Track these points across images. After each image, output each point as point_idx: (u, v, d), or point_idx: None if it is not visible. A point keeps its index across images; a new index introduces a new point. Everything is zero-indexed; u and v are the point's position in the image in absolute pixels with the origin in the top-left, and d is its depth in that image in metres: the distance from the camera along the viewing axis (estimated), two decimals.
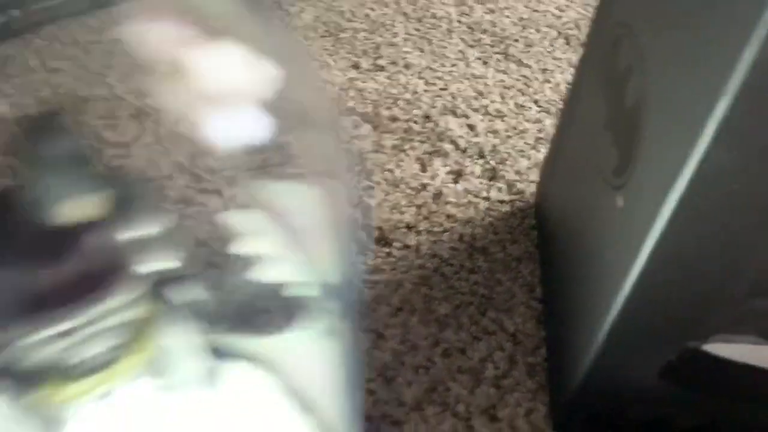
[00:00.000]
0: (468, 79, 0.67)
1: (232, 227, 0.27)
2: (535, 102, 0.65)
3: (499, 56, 0.71)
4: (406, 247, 0.50)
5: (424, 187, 0.55)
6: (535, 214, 0.54)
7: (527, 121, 0.63)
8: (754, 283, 0.31)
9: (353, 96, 0.63)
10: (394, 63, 0.68)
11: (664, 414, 0.38)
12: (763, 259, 0.30)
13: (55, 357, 0.24)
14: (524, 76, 0.68)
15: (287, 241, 0.30)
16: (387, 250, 0.50)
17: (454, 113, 0.63)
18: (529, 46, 0.73)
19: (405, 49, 0.70)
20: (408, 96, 0.64)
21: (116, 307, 0.24)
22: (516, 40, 0.73)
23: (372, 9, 0.75)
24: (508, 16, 0.77)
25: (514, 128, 0.62)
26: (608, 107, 0.39)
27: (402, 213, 0.53)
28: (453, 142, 0.60)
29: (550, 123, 0.62)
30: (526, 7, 0.79)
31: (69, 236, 0.21)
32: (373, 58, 0.68)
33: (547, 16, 0.78)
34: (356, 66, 0.67)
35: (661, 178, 0.30)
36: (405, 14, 0.75)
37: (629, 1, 0.39)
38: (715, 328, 0.33)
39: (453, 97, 0.65)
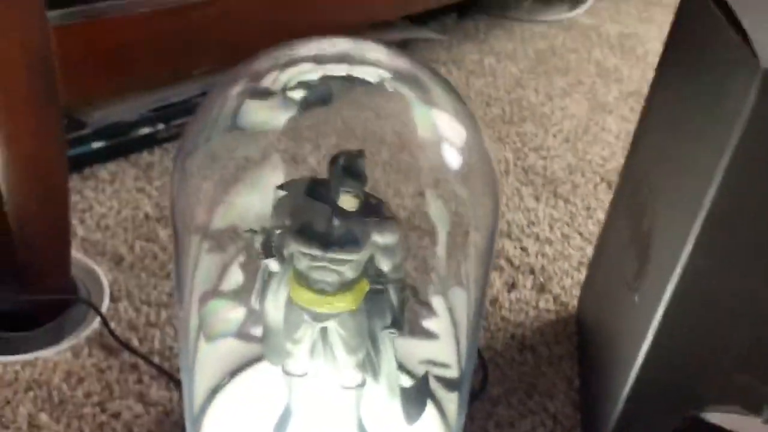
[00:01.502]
0: (522, 211, 0.80)
1: None
2: (580, 234, 0.77)
3: (548, 194, 0.84)
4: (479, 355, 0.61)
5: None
6: (576, 321, 0.64)
7: (572, 248, 0.75)
8: (735, 361, 0.41)
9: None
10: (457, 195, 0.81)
11: None
12: (741, 342, 0.40)
13: (310, 270, 0.37)
14: (570, 212, 0.81)
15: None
16: None
17: (509, 237, 0.75)
18: (576, 187, 0.86)
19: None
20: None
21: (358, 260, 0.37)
22: (564, 183, 0.86)
23: None
24: (557, 163, 0.91)
25: (561, 253, 0.74)
26: (631, 231, 0.50)
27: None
28: (508, 260, 0.72)
29: (590, 251, 0.74)
30: (573, 156, 0.93)
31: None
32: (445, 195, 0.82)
33: (592, 164, 0.91)
34: (421, 194, 0.81)
35: (661, 280, 0.41)
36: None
37: (647, 154, 0.52)
38: (709, 399, 0.42)
39: (508, 224, 0.77)
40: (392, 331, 0.41)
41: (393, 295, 0.40)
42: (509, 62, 1.21)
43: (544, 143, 0.95)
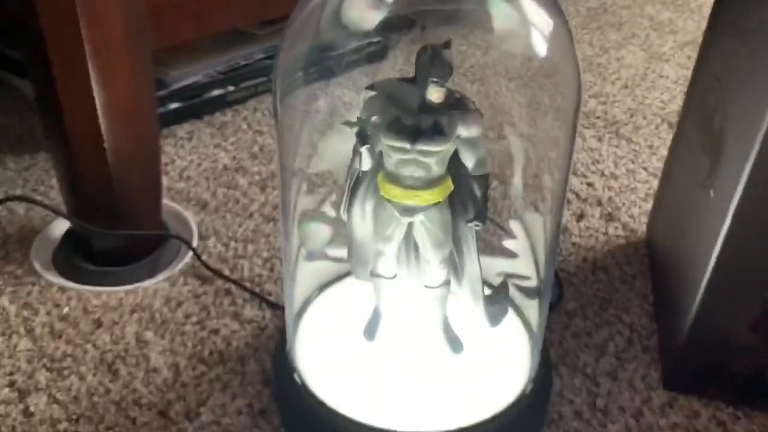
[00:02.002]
0: (585, 151, 0.81)
1: None
2: (644, 169, 0.78)
3: (611, 135, 0.85)
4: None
5: None
6: (646, 245, 0.65)
7: (637, 182, 0.76)
8: None
9: None
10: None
11: (762, 368, 0.47)
12: None
13: (398, 164, 0.40)
14: (634, 150, 0.82)
15: None
16: None
17: (575, 173, 0.76)
18: (638, 128, 0.86)
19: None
20: None
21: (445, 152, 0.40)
22: (626, 124, 0.87)
23: (496, 100, 0.92)
24: (617, 107, 0.91)
25: (627, 186, 0.75)
26: (702, 135, 0.52)
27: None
28: (575, 193, 0.73)
29: (656, 184, 0.74)
30: (633, 101, 0.93)
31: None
32: (498, 133, 0.83)
33: (652, 107, 0.91)
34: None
35: (736, 169, 0.42)
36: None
37: (718, 60, 0.53)
38: None
39: (573, 163, 0.78)
40: (476, 223, 0.43)
41: (477, 190, 0.43)
42: None
43: (602, 90, 0.96)
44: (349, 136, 0.41)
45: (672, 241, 0.57)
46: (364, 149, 0.40)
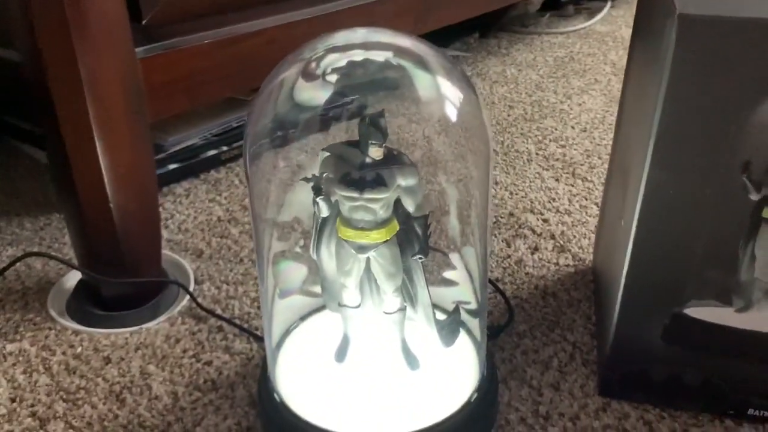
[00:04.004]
0: (543, 190, 0.90)
1: None
2: (596, 204, 0.86)
3: (568, 175, 0.93)
4: (495, 291, 0.70)
5: (509, 256, 0.76)
6: (592, 271, 0.73)
7: (589, 216, 0.84)
8: (704, 259, 0.49)
9: None
10: None
11: (675, 373, 0.54)
12: (706, 241, 0.49)
13: (350, 210, 0.48)
14: (587, 188, 0.90)
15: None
16: None
17: (532, 212, 0.85)
18: (592, 167, 0.95)
19: (494, 172, 0.94)
20: (497, 201, 0.87)
21: (386, 198, 0.48)
22: (582, 165, 0.96)
23: None
24: (576, 149, 1.00)
25: (579, 220, 0.83)
26: (620, 173, 0.60)
27: (492, 272, 0.74)
28: (531, 229, 0.81)
29: None
30: (590, 143, 1.02)
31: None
32: None
33: (608, 147, 1.00)
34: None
35: (634, 197, 0.50)
36: (495, 150, 1.00)
37: (627, 107, 0.61)
38: (688, 295, 0.51)
39: (531, 202, 0.87)
40: (420, 256, 0.51)
41: (418, 229, 0.51)
42: (530, 70, 1.32)
43: (563, 134, 1.05)
44: (309, 190, 0.50)
45: (605, 267, 0.65)
46: (319, 200, 0.49)
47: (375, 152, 0.48)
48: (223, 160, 0.97)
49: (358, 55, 0.48)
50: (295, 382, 0.56)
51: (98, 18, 0.60)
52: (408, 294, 0.56)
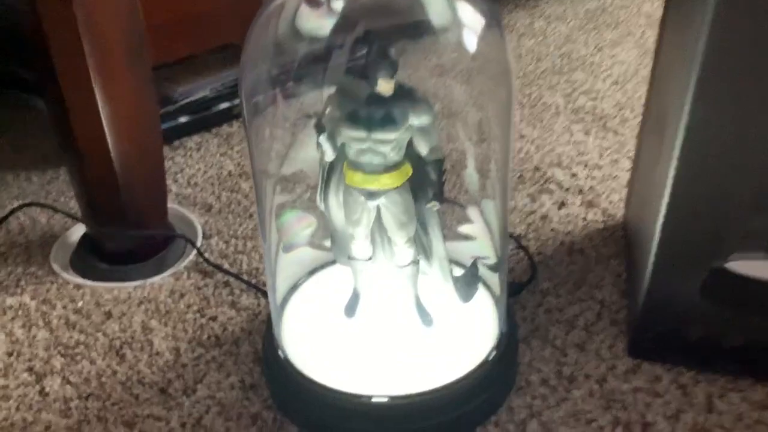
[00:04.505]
0: (572, 144, 0.84)
1: None
2: (628, 158, 0.81)
3: (598, 129, 0.88)
4: (519, 248, 0.66)
5: (533, 212, 0.72)
6: (624, 227, 0.68)
7: (619, 170, 0.79)
8: (751, 204, 0.44)
9: None
10: None
11: (713, 333, 0.50)
12: (753, 185, 0.44)
13: (357, 153, 0.44)
14: (619, 141, 0.85)
15: None
16: None
17: (559, 166, 0.80)
18: (625, 120, 0.89)
19: (520, 126, 0.89)
20: (522, 155, 0.82)
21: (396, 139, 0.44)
22: (614, 118, 0.90)
23: None
24: (607, 102, 0.95)
25: (609, 175, 0.78)
26: (657, 120, 0.55)
27: (514, 228, 0.69)
28: (558, 184, 0.76)
29: None
30: (623, 95, 0.96)
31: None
32: None
33: (641, 100, 0.94)
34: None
35: (672, 140, 0.45)
36: (521, 103, 0.95)
37: (666, 52, 0.56)
38: (730, 247, 0.46)
39: (559, 156, 0.82)
40: (434, 203, 0.47)
41: (433, 174, 0.47)
42: (559, 23, 1.25)
43: (593, 87, 0.99)
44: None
45: (638, 221, 0.60)
46: (321, 139, 0.44)
47: (384, 87, 0.43)
48: (236, 114, 0.93)
49: None
50: (302, 338, 0.53)
51: None
52: (422, 246, 0.52)
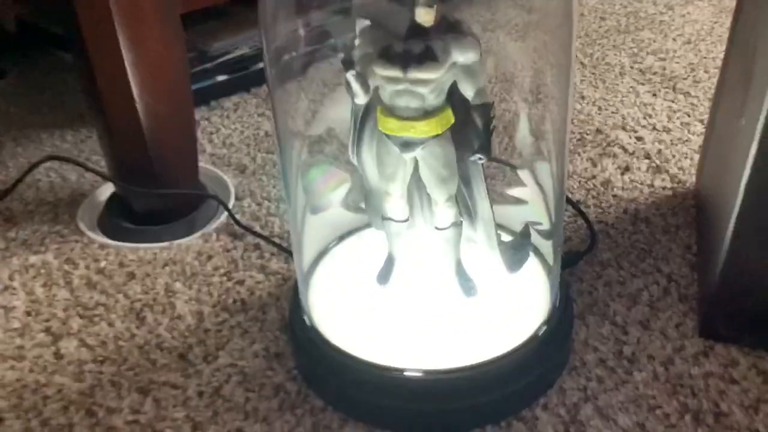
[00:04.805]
0: (637, 106, 0.77)
1: None
2: (701, 121, 0.73)
3: (667, 90, 0.80)
4: (577, 214, 0.60)
5: (593, 176, 0.65)
6: (695, 195, 0.61)
7: (691, 134, 0.71)
8: None
9: None
10: None
11: None
12: None
13: (392, 96, 0.39)
14: (691, 104, 0.77)
15: None
16: None
17: (623, 129, 0.73)
18: (697, 82, 0.81)
19: (581, 86, 0.82)
20: (582, 117, 0.75)
21: (437, 79, 0.38)
22: (685, 79, 0.82)
23: None
24: (677, 63, 0.86)
25: (679, 139, 0.70)
26: (741, 74, 0.48)
27: (572, 193, 0.63)
28: (622, 147, 0.69)
29: None
30: (695, 56, 0.88)
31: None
32: None
33: (716, 60, 0.86)
34: None
35: (761, 90, 0.39)
36: (582, 63, 0.87)
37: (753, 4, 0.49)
38: None
39: (623, 118, 0.75)
40: (480, 156, 0.41)
41: (479, 122, 0.41)
42: None
43: (662, 47, 0.91)
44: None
45: (713, 187, 0.53)
46: (349, 75, 0.39)
47: (424, 16, 0.38)
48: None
49: None
50: (330, 306, 0.48)
51: None
52: (465, 206, 0.46)
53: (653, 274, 0.53)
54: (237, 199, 0.66)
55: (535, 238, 0.48)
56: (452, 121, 0.41)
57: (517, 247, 0.48)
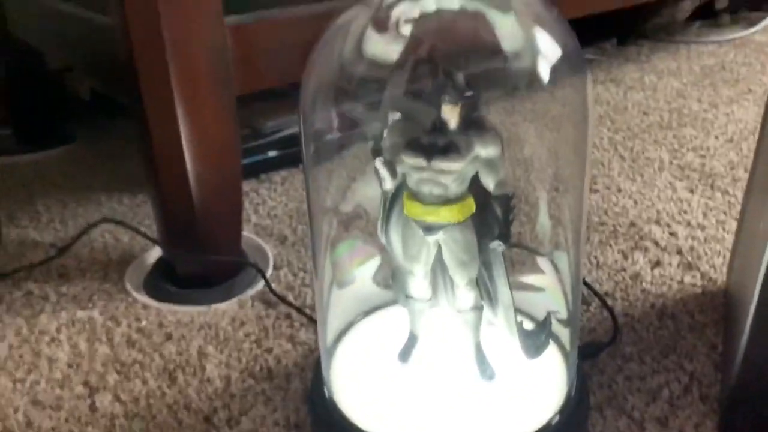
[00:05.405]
0: (674, 201, 0.78)
1: None
2: (737, 220, 0.73)
3: (705, 187, 0.81)
4: (603, 306, 0.60)
5: (624, 269, 0.66)
6: (724, 294, 0.61)
7: (726, 232, 0.71)
8: None
9: None
10: (608, 188, 0.81)
11: None
12: None
13: (417, 182, 0.42)
14: (728, 202, 0.77)
15: None
16: (585, 307, 0.61)
17: (657, 223, 0.73)
18: (736, 180, 0.82)
19: (618, 179, 0.83)
20: (617, 209, 0.76)
21: (460, 170, 0.41)
22: (724, 177, 0.83)
23: (593, 152, 0.91)
24: (718, 160, 0.87)
25: (713, 236, 0.71)
26: (765, 176, 0.49)
27: (601, 285, 0.64)
28: (654, 242, 0.70)
29: None
30: (736, 154, 0.89)
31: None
32: (590, 184, 0.82)
33: None
34: None
35: None
36: (621, 156, 0.89)
37: None
38: None
39: (658, 212, 0.75)
40: (499, 243, 0.43)
41: (498, 211, 0.43)
42: (672, 78, 1.18)
43: (704, 144, 0.92)
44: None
45: (739, 285, 0.54)
46: (377, 163, 0.42)
47: (450, 113, 0.41)
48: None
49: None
50: (351, 380, 0.49)
51: None
52: (486, 291, 0.48)
53: (675, 371, 0.53)
54: (275, 268, 0.69)
55: (554, 325, 0.49)
56: (473, 209, 0.43)
57: (537, 335, 0.49)
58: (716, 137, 0.94)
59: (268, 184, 0.87)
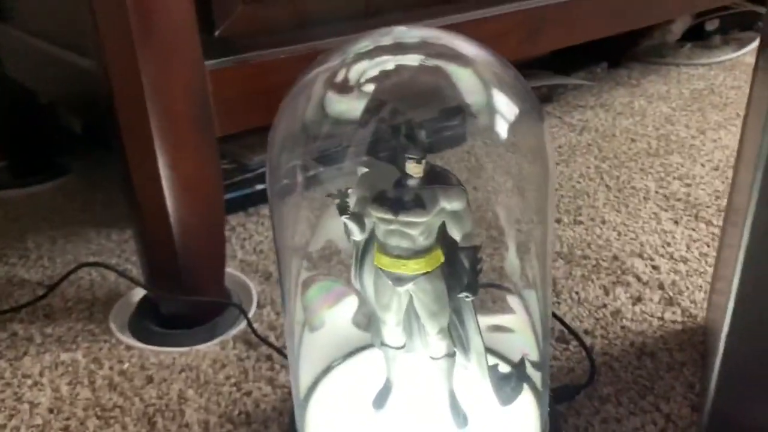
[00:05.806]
0: (658, 233, 0.78)
1: None
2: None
3: (689, 218, 0.81)
4: (582, 345, 0.60)
5: (604, 305, 0.66)
6: (704, 330, 0.61)
7: (708, 265, 0.71)
8: None
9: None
10: (592, 219, 0.81)
11: None
12: None
13: (386, 235, 0.42)
14: (712, 233, 0.77)
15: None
16: (564, 346, 0.61)
17: (640, 256, 0.74)
18: (720, 211, 0.82)
19: (603, 210, 0.84)
20: (600, 242, 0.77)
21: (425, 223, 0.41)
22: (708, 207, 0.83)
23: (578, 182, 0.91)
24: (703, 189, 0.87)
25: (696, 270, 0.71)
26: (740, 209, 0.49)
27: (581, 322, 0.64)
28: (636, 276, 0.70)
29: None
30: (722, 183, 0.89)
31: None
32: (574, 216, 0.82)
33: None
34: (558, 221, 0.82)
35: (739, 240, 0.40)
36: (607, 186, 0.89)
37: (748, 145, 0.51)
38: None
39: (641, 245, 0.76)
40: (467, 294, 0.44)
41: (466, 262, 0.44)
42: (661, 102, 1.19)
43: (689, 172, 0.92)
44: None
45: (713, 324, 0.54)
46: (345, 219, 0.43)
47: (413, 169, 0.41)
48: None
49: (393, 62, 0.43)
50: (326, 428, 0.50)
51: (164, 27, 0.58)
52: (458, 337, 0.48)
53: (652, 413, 0.53)
54: (258, 306, 0.70)
55: (527, 368, 0.49)
56: (441, 260, 0.44)
57: (510, 381, 0.49)
58: (702, 165, 0.94)
59: (256, 218, 0.87)
